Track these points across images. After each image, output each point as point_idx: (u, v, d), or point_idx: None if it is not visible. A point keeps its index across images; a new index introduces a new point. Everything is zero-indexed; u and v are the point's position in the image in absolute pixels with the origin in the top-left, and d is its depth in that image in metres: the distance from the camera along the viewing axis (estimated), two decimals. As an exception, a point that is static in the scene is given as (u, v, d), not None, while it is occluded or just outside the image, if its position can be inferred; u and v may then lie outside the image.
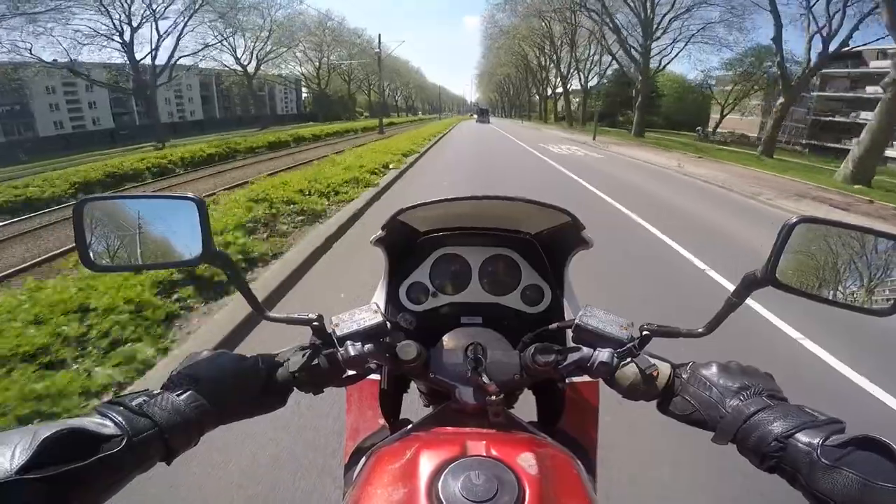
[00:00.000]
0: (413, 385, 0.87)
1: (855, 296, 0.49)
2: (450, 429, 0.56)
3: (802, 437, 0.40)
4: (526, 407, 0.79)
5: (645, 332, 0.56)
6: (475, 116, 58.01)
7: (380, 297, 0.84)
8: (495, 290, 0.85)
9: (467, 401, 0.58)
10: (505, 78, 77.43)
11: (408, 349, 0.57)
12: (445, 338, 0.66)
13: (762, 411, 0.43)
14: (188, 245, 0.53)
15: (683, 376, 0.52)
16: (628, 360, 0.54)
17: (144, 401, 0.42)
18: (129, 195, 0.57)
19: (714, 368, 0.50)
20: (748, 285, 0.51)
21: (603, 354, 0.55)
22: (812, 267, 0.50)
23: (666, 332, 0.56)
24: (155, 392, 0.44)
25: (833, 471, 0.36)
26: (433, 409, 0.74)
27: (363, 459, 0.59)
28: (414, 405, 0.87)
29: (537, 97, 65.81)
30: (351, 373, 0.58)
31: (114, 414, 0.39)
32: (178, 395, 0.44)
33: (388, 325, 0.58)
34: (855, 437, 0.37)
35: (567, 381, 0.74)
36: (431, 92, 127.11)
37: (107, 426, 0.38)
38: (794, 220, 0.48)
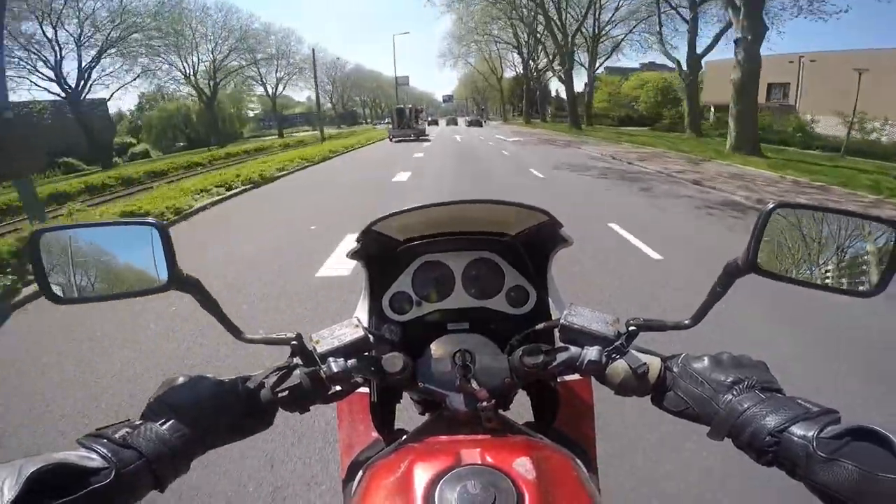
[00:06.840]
0: (406, 395, 0.85)
1: (839, 278, 0.48)
2: (443, 438, 0.55)
3: (797, 430, 0.39)
4: (521, 408, 0.78)
5: (632, 328, 0.56)
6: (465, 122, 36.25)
7: (362, 310, 0.82)
8: (480, 294, 0.84)
9: (458, 408, 0.57)
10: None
11: (393, 361, 0.56)
12: (432, 346, 0.64)
13: (755, 406, 0.43)
14: (153, 271, 0.51)
15: (674, 370, 0.51)
16: (617, 356, 0.53)
17: (128, 432, 0.41)
18: (85, 223, 0.54)
19: (706, 362, 0.49)
20: (730, 274, 0.51)
21: (591, 352, 0.54)
22: (793, 252, 0.50)
23: (653, 325, 0.56)
24: (136, 422, 0.43)
25: (831, 463, 0.36)
26: (427, 418, 0.72)
27: (359, 474, 0.58)
28: (409, 415, 0.86)
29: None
30: (337, 389, 0.56)
31: (98, 446, 0.38)
32: (160, 425, 0.43)
33: (371, 338, 0.57)
34: (850, 427, 0.37)
35: (559, 379, 0.73)
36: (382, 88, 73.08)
37: (92, 459, 0.37)
38: (771, 206, 0.47)
